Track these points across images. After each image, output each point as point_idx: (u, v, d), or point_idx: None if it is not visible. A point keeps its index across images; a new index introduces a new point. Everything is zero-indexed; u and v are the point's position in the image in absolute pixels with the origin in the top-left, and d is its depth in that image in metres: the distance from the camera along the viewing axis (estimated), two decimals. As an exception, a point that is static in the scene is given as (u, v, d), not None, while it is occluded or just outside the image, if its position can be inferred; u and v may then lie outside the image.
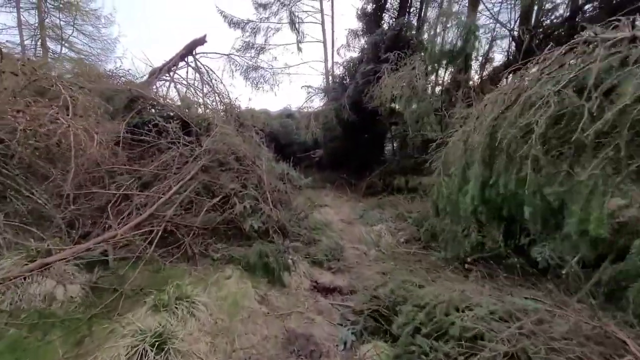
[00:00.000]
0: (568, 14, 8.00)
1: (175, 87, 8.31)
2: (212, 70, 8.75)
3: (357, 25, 14.46)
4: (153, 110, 6.32)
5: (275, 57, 17.40)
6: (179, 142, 5.34)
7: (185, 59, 8.37)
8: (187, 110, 6.43)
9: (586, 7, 7.84)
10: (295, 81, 25.42)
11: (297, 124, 15.98)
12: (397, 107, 7.91)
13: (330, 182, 13.13)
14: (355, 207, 9.06)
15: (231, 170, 5.29)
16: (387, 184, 10.41)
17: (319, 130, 13.51)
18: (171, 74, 8.30)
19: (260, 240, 4.71)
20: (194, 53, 8.47)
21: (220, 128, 5.62)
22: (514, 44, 8.47)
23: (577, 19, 7.52)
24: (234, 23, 15.82)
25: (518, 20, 8.46)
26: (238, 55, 13.15)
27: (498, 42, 9.12)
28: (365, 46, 10.64)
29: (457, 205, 4.35)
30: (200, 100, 8.52)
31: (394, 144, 10.76)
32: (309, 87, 16.78)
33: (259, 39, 16.33)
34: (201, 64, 8.65)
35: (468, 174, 4.11)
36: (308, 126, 15.48)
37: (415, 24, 11.91)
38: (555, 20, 8.20)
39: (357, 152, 12.22)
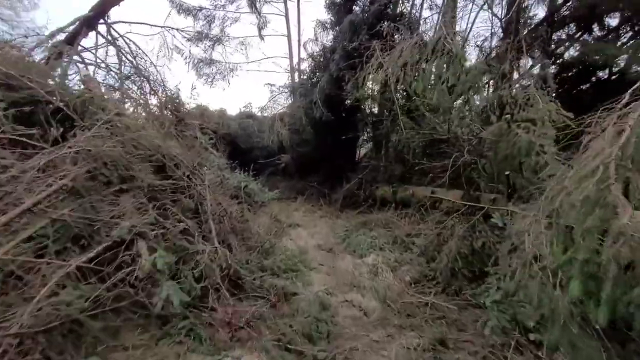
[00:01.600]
0: None
1: (82, 66, 5.85)
2: (137, 46, 6.37)
3: (326, 17, 12.61)
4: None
5: (242, 50, 14.95)
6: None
7: (96, 28, 5.93)
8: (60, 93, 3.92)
9: None
10: (257, 79, 22.89)
11: (259, 126, 13.75)
12: (394, 98, 5.99)
13: (299, 193, 11.03)
14: (335, 226, 7.05)
15: (139, 191, 3.05)
16: (368, 194, 8.53)
17: (285, 133, 11.42)
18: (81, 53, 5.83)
19: (187, 320, 2.53)
20: (106, 20, 6.03)
21: (115, 116, 3.32)
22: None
23: None
24: (184, 10, 13.30)
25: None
26: (181, 32, 10.41)
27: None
28: (339, 33, 8.75)
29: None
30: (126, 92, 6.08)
31: (376, 147, 8.89)
32: (272, 85, 14.68)
33: (215, 30, 13.93)
34: (119, 34, 6.25)
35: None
36: (272, 128, 13.42)
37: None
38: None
39: (331, 156, 10.25)
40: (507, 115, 4.21)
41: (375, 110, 8.79)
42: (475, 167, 5.14)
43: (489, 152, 4.43)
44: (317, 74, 9.63)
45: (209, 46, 14.06)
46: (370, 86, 6.03)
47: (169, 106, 5.90)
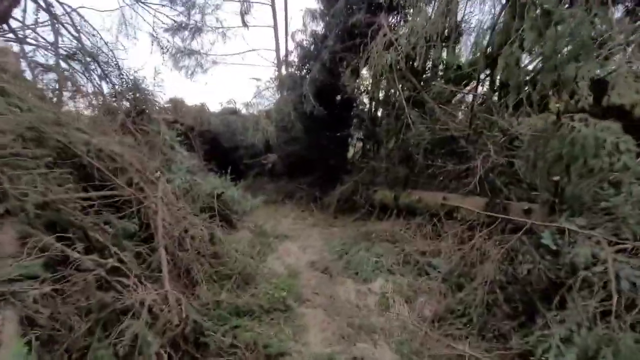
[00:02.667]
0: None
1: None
2: (86, 21, 5.09)
3: (315, 5, 11.47)
4: None
5: (224, 38, 13.60)
6: None
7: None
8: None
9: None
10: (242, 73, 21.38)
11: (244, 123, 12.55)
12: (398, 89, 4.91)
13: (288, 196, 9.93)
14: (329, 238, 5.96)
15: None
16: (365, 199, 7.49)
17: (272, 130, 10.28)
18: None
19: None
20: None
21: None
22: None
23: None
24: (160, -5, 11.94)
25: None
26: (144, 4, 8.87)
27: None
28: (332, 18, 7.65)
29: None
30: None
31: (376, 145, 7.82)
32: (258, 79, 13.49)
33: (196, 17, 12.61)
34: (66, 9, 4.97)
35: None
36: (257, 125, 12.25)
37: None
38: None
39: (323, 156, 9.17)
40: (557, 105, 3.20)
41: (374, 102, 7.71)
42: (503, 171, 4.14)
43: (529, 151, 3.42)
44: (308, 64, 8.51)
45: (188, 36, 12.74)
46: (374, 71, 4.95)
47: (127, 95, 4.70)
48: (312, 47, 8.51)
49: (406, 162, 6.05)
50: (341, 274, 4.42)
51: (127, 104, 4.70)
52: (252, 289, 3.49)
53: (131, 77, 4.87)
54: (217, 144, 10.37)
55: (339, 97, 7.92)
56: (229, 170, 6.57)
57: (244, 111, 13.74)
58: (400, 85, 5.15)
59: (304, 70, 8.66)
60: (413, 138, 5.02)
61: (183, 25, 12.58)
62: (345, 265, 4.62)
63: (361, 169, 7.97)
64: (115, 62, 4.81)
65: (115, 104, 4.40)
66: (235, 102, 11.93)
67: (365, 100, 8.03)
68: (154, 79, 5.54)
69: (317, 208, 8.44)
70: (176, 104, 7.66)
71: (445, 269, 3.77)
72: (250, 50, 13.93)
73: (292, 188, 10.02)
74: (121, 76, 4.84)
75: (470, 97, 5.83)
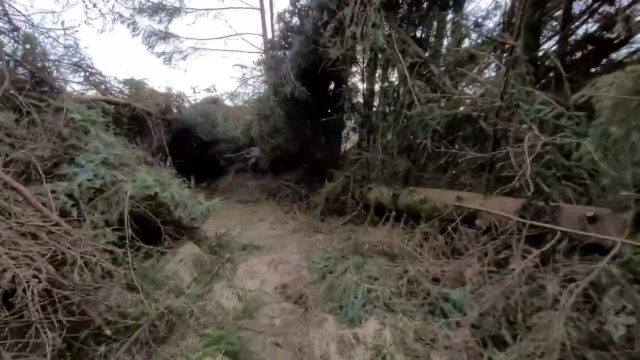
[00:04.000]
0: None
1: None
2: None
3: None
4: None
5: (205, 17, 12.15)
6: None
7: None
8: None
9: None
10: (227, 62, 19.55)
11: (225, 113, 11.16)
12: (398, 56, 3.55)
13: (271, 194, 8.58)
14: (311, 249, 4.60)
15: None
16: (357, 198, 6.14)
17: (255, 120, 8.90)
18: None
19: None
20: None
21: None
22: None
23: None
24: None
25: None
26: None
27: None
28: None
29: None
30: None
31: (370, 135, 6.43)
32: (243, 66, 12.06)
33: (172, -1, 11.16)
34: None
35: None
36: (240, 116, 10.87)
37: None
38: None
39: (309, 149, 7.82)
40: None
41: (365, 77, 6.34)
42: (551, 161, 2.80)
43: (612, 125, 2.08)
44: (290, 39, 7.12)
45: (165, 18, 11.31)
46: (362, 25, 3.58)
47: (25, 60, 3.32)
48: (296, 19, 7.12)
49: (407, 152, 4.70)
50: (320, 306, 3.08)
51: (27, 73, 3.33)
52: (171, 347, 2.14)
53: (30, 37, 3.50)
54: (192, 136, 8.96)
55: (326, 76, 6.52)
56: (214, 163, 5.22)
57: (227, 102, 12.40)
58: (401, 47, 3.79)
59: (286, 46, 7.27)
60: (417, 118, 3.66)
61: (160, 6, 11.17)
62: (327, 293, 3.27)
63: (354, 162, 6.62)
64: (3, 11, 3.43)
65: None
66: (215, 90, 10.51)
67: (356, 78, 6.63)
68: (65, 35, 4.19)
69: (302, 209, 7.10)
70: (135, 86, 6.26)
71: (472, 309, 2.43)
72: (233, 35, 12.48)
73: (277, 186, 8.67)
74: (15, 34, 3.48)
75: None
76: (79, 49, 5.17)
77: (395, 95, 4.23)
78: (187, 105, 9.58)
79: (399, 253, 3.67)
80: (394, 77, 5.91)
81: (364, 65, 5.56)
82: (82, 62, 5.43)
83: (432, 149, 3.66)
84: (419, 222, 4.45)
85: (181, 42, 11.60)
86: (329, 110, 7.90)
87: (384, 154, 5.00)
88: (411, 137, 4.29)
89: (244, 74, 11.58)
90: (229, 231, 4.68)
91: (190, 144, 8.84)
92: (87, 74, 5.52)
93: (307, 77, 6.36)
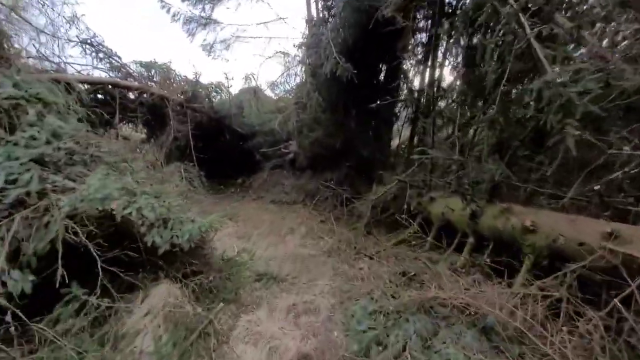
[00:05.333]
0: None
1: None
2: None
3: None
4: None
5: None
6: None
7: None
8: None
9: None
10: (269, 47, 18.08)
11: (263, 105, 10.09)
12: None
13: (309, 196, 7.28)
14: (352, 287, 3.17)
15: None
16: (415, 210, 4.56)
17: (292, 110, 7.66)
18: None
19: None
20: None
21: None
22: None
23: None
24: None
25: None
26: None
27: None
28: None
29: None
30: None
31: (435, 127, 4.72)
32: (284, 53, 10.86)
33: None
34: None
35: None
36: (279, 107, 9.73)
37: None
38: None
39: (354, 143, 6.37)
40: None
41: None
42: None
43: None
44: (332, 9, 5.67)
45: (207, 3, 10.43)
46: None
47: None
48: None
49: (501, 153, 3.04)
50: None
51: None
52: None
53: None
54: (225, 128, 7.97)
55: (380, 53, 4.99)
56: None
57: (268, 92, 11.34)
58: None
59: (328, 21, 5.83)
60: (550, 92, 1.98)
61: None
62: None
63: (410, 163, 5.04)
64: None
65: None
66: (254, 78, 9.42)
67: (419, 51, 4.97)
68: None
69: (342, 217, 5.70)
70: (154, 69, 5.32)
71: None
72: (276, 19, 11.27)
73: (315, 186, 7.34)
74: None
75: None
76: (80, 24, 4.22)
77: (494, 62, 2.59)
78: (223, 95, 8.65)
79: (501, 322, 2.10)
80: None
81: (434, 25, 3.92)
82: (91, 39, 4.54)
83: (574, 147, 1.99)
84: (515, 256, 2.82)
85: (222, 28, 10.68)
86: (377, 93, 6.35)
87: (461, 155, 3.37)
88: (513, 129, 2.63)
89: (286, 63, 10.37)
90: (241, 253, 3.45)
91: (223, 136, 7.84)
92: (95, 52, 4.61)
93: (353, 52, 4.88)
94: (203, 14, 10.29)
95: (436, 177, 4.41)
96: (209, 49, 11.06)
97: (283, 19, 11.17)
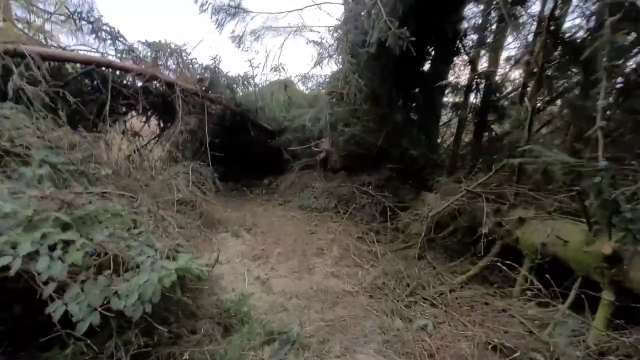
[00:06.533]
0: None
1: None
2: None
3: None
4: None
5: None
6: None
7: None
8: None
9: None
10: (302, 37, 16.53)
11: (294, 98, 9.04)
12: None
13: (342, 201, 6.09)
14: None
15: None
16: (490, 234, 3.20)
17: (324, 103, 6.50)
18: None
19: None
20: None
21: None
22: None
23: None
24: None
25: None
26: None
27: None
28: None
29: None
30: None
31: (532, 116, 3.33)
32: (318, 42, 9.74)
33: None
34: None
35: None
36: (310, 101, 8.65)
37: None
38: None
39: (399, 140, 5.10)
40: None
41: None
42: None
43: None
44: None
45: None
46: None
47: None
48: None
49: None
50: None
51: None
52: None
53: None
54: (250, 123, 7.00)
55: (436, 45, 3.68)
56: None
57: (299, 85, 10.29)
58: None
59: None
60: None
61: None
62: None
63: (471, 167, 3.69)
64: None
65: None
66: (284, 69, 8.38)
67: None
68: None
69: (384, 233, 4.46)
70: (160, 49, 4.41)
71: None
72: (311, 5, 10.14)
73: (350, 190, 6.13)
74: None
75: None
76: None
77: None
78: (250, 87, 7.70)
79: None
80: None
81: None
82: (87, 13, 3.67)
83: None
84: None
85: (252, 18, 9.77)
86: (425, 84, 5.01)
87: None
88: None
89: (320, 53, 9.21)
90: (245, 298, 2.36)
91: (247, 132, 6.87)
92: (94, 31, 3.73)
93: (404, 20, 3.61)
94: (232, 3, 9.43)
95: (526, 188, 3.04)
96: (238, 40, 10.21)
97: (318, 4, 10.04)
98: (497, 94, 4.29)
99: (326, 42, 9.16)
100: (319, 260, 3.56)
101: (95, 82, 3.52)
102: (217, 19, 9.46)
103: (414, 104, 5.79)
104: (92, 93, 3.53)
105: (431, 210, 3.55)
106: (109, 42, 4.09)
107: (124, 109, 3.98)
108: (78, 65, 3.43)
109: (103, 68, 3.47)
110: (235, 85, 5.97)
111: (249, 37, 10.40)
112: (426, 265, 3.48)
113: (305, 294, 2.83)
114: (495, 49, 4.81)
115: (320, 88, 9.44)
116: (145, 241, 1.58)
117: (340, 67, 5.53)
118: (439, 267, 3.39)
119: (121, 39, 4.17)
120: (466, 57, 5.07)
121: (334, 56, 7.96)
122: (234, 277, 3.03)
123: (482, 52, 4.78)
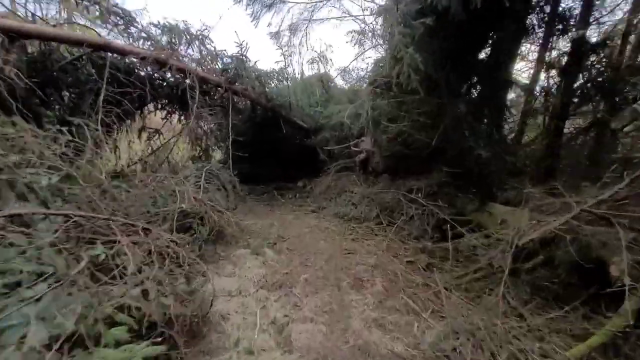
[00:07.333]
0: None
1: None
2: None
3: None
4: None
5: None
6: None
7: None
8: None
9: None
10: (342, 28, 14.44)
11: (331, 93, 8.18)
12: None
13: (385, 209, 5.08)
14: None
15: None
16: (620, 278, 2.06)
17: (366, 97, 5.54)
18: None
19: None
20: None
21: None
22: None
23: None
24: None
25: None
26: None
27: None
28: None
29: None
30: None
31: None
32: (359, 33, 8.77)
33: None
34: None
35: None
36: (350, 97, 7.73)
37: None
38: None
39: (458, 137, 3.99)
40: None
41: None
42: None
43: None
44: None
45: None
46: None
47: None
48: None
49: None
50: None
51: None
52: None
53: None
54: (283, 120, 6.26)
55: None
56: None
57: (339, 81, 9.41)
58: None
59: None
60: None
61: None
62: None
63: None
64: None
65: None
66: (321, 61, 7.54)
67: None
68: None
69: (441, 255, 3.42)
70: (174, 33, 3.76)
71: None
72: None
73: (395, 198, 5.11)
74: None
75: None
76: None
77: None
78: (284, 82, 6.98)
79: None
80: None
81: None
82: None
83: None
84: None
85: (289, 9, 9.07)
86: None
87: None
88: None
89: (360, 40, 8.23)
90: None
91: (280, 129, 6.13)
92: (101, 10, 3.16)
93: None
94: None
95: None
96: (275, 35, 9.56)
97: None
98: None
99: (369, 29, 8.16)
100: (357, 298, 2.65)
101: (94, 69, 3.01)
102: (253, 11, 8.87)
103: (478, 92, 4.62)
104: (94, 82, 2.99)
105: (522, 236, 2.45)
106: (121, 26, 3.53)
107: (136, 104, 3.44)
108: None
109: (101, 51, 2.89)
110: (268, 80, 5.23)
111: (286, 32, 9.70)
112: (511, 314, 2.41)
113: (338, 355, 1.94)
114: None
115: (362, 83, 8.48)
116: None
117: (386, 51, 4.55)
118: (532, 320, 2.30)
119: (136, 23, 3.60)
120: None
121: (379, 43, 6.96)
122: (242, 320, 2.24)
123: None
